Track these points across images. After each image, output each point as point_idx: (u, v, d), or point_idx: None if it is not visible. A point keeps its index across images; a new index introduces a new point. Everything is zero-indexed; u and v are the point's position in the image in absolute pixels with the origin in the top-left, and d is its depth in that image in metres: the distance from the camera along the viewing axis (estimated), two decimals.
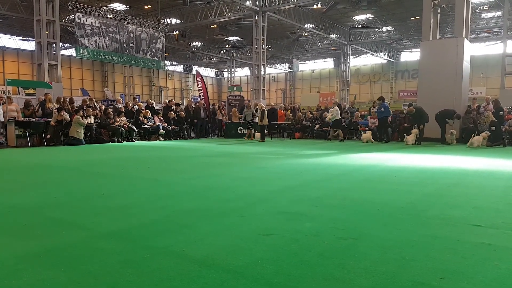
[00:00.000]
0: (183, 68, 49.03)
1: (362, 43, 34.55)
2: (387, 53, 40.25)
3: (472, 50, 16.69)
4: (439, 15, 15.03)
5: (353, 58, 39.89)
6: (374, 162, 7.31)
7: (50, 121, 12.32)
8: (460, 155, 8.64)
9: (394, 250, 2.31)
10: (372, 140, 13.64)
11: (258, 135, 15.87)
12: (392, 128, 14.85)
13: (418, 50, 16.03)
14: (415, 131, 12.29)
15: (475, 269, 2.02)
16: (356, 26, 31.77)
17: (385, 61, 42.09)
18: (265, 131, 15.39)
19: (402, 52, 42.20)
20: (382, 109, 13.97)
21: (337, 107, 15.32)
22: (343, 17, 29.33)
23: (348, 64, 35.64)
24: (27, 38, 32.57)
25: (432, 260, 2.14)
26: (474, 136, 11.37)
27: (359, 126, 15.79)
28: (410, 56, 41.56)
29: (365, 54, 40.57)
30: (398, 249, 2.32)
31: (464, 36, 13.65)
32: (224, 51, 40.77)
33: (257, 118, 15.86)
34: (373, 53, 38.12)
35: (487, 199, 3.82)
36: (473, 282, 1.86)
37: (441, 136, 12.61)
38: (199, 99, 21.47)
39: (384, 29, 32.50)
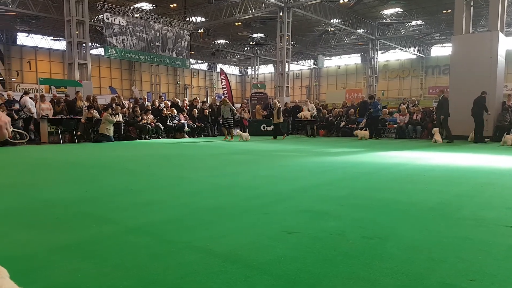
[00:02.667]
0: (207, 66, 49.46)
1: (391, 38, 33.69)
2: (416, 48, 39.09)
3: (507, 44, 15.97)
4: (472, 8, 14.48)
5: (381, 53, 38.97)
6: (403, 160, 7.14)
7: (81, 118, 12.74)
8: (493, 154, 8.31)
9: (422, 250, 2.25)
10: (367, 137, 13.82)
11: (245, 134, 13.93)
12: (422, 126, 14.49)
13: (450, 44, 15.50)
14: (436, 130, 12.04)
15: (509, 272, 1.94)
16: (385, 20, 31.02)
17: (415, 56, 40.89)
18: (281, 129, 15.12)
19: (432, 47, 40.87)
20: (378, 107, 14.22)
21: (313, 104, 15.74)
22: (370, 11, 28.70)
23: (376, 60, 34.86)
24: (58, 38, 33.68)
25: (463, 262, 2.07)
26: (506, 135, 10.93)
27: (387, 123, 15.47)
28: (441, 51, 40.20)
29: (393, 49, 39.54)
30: (426, 250, 2.26)
31: (499, 29, 13.09)
32: (248, 48, 40.81)
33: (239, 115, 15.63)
34: (402, 48, 37.11)
35: None
36: (506, 285, 1.79)
37: (475, 135, 12.14)
38: (223, 97, 21.62)
39: (414, 23, 31.57)
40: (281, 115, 14.87)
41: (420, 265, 2.03)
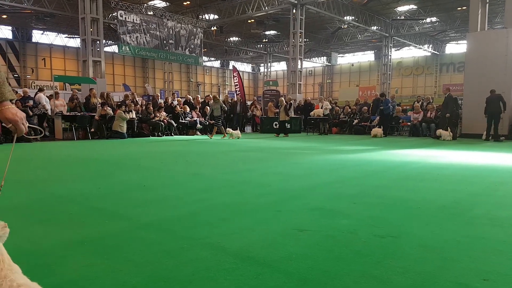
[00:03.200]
0: (220, 63, 49.56)
1: (405, 35, 33.24)
2: (431, 45, 38.45)
3: None
4: (487, 4, 14.19)
5: (395, 50, 38.48)
6: (416, 158, 7.06)
7: (95, 115, 12.91)
8: (508, 153, 8.14)
9: (435, 249, 2.23)
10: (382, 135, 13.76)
11: (236, 132, 13.31)
12: (436, 124, 14.29)
13: (465, 42, 15.23)
14: (440, 131, 12.03)
15: None
16: (398, 17, 30.61)
17: (429, 54, 40.24)
18: (284, 127, 15.02)
19: (447, 44, 40.15)
20: (389, 105, 14.17)
21: (328, 102, 15.60)
22: (384, 8, 28.36)
23: (389, 57, 34.45)
24: (73, 36, 34.13)
25: (476, 261, 2.04)
26: None
27: (400, 121, 15.30)
28: (456, 48, 39.46)
29: (407, 47, 38.99)
30: (439, 249, 2.23)
31: None
32: (261, 45, 40.75)
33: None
34: (416, 45, 36.57)
35: None
36: None
37: (487, 132, 11.94)
38: (235, 94, 21.62)
39: (428, 20, 31.06)
40: (290, 112, 14.78)
41: (433, 264, 2.01)
